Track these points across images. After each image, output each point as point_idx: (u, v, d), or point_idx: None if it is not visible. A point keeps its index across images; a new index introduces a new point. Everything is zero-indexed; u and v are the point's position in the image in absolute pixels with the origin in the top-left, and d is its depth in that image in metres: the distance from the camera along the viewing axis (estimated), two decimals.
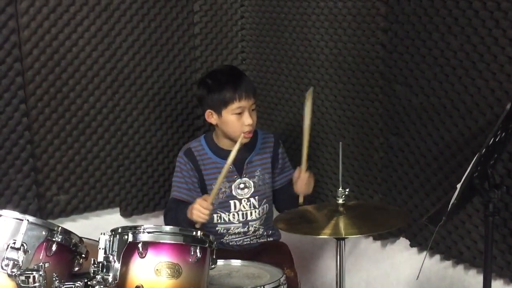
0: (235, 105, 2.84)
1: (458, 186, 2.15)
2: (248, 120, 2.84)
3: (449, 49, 2.54)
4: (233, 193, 2.95)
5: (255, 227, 3.00)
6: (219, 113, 2.87)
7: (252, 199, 2.97)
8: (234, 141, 2.87)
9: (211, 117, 2.91)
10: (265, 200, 3.00)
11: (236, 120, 2.85)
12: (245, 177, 2.96)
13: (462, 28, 2.47)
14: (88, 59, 3.13)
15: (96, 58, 3.15)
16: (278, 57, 3.36)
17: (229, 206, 2.95)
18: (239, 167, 2.95)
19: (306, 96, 2.80)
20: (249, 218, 2.98)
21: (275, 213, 3.06)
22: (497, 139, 2.15)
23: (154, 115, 3.34)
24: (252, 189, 2.97)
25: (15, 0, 2.91)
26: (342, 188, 2.41)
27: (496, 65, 2.39)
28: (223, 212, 2.95)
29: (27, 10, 2.96)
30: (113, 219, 3.32)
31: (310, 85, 3.19)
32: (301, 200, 2.87)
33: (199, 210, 2.70)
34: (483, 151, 2.10)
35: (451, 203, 2.14)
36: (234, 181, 2.95)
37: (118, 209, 3.36)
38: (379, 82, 2.85)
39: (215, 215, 2.94)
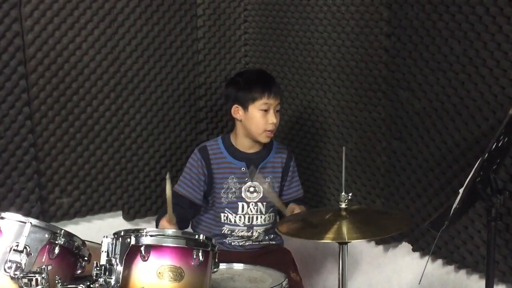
0: (262, 101, 2.89)
1: (461, 191, 2.15)
2: (272, 118, 2.90)
3: (452, 54, 2.54)
4: (242, 195, 2.97)
5: (259, 232, 3.01)
6: (246, 108, 2.92)
7: (259, 204, 2.99)
8: (255, 139, 2.94)
9: (237, 113, 2.95)
10: (272, 208, 3.02)
11: (261, 117, 2.90)
12: (255, 181, 2.98)
13: (465, 33, 2.48)
14: (91, 63, 3.14)
15: (99, 61, 3.16)
16: (281, 61, 3.36)
17: (237, 207, 2.97)
18: (252, 171, 2.98)
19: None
20: (254, 222, 2.99)
21: None
22: (499, 144, 2.15)
23: (156, 118, 3.35)
24: (261, 194, 2.99)
25: (19, 3, 2.92)
26: (345, 193, 2.41)
27: (499, 70, 2.39)
28: (230, 213, 2.97)
29: (31, 14, 2.96)
30: (116, 222, 3.33)
31: (313, 89, 3.20)
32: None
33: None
34: (486, 156, 2.10)
35: (453, 208, 2.14)
36: (245, 183, 2.97)
37: (120, 212, 3.36)
38: (382, 87, 2.85)
39: (222, 215, 2.97)
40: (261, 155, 3.00)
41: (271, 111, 2.91)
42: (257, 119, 2.91)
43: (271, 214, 3.02)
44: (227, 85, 3.09)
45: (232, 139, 3.02)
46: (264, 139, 2.94)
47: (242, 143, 2.99)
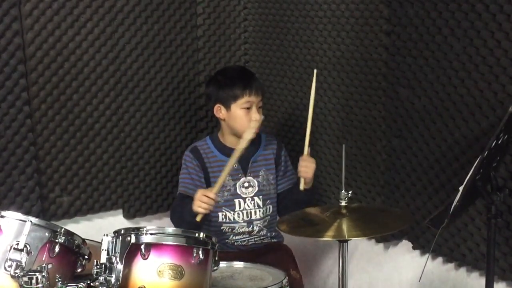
0: (244, 99, 2.89)
1: (461, 188, 2.15)
2: (255, 115, 2.90)
3: (451, 52, 2.54)
4: (238, 191, 2.98)
5: (259, 226, 3.01)
6: (228, 107, 2.91)
7: (256, 198, 3.00)
8: (240, 137, 2.92)
9: (219, 112, 2.95)
10: (268, 200, 3.02)
11: (244, 115, 2.90)
12: (249, 175, 2.99)
13: (464, 31, 2.48)
14: (91, 61, 3.14)
15: (99, 60, 3.16)
16: (281, 59, 3.36)
17: (234, 204, 2.97)
18: (244, 166, 2.98)
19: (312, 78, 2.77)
20: (253, 217, 3.00)
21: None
22: (499, 142, 2.15)
23: (157, 117, 3.35)
24: (256, 188, 2.99)
25: (19, 2, 2.92)
26: (345, 190, 2.41)
27: (499, 67, 2.39)
28: (228, 211, 2.97)
29: (31, 12, 2.96)
30: (116, 221, 3.32)
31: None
32: (301, 186, 2.85)
33: (200, 200, 2.70)
34: (486, 153, 2.10)
35: (453, 205, 2.14)
36: (239, 179, 2.98)
37: (121, 211, 3.36)
38: (382, 85, 2.85)
39: (220, 214, 2.96)
40: (250, 150, 2.98)
41: (254, 108, 2.91)
42: (240, 117, 2.90)
43: (269, 206, 3.02)
44: (207, 84, 3.08)
45: (220, 137, 3.02)
46: (248, 135, 2.91)
47: (230, 141, 2.99)
